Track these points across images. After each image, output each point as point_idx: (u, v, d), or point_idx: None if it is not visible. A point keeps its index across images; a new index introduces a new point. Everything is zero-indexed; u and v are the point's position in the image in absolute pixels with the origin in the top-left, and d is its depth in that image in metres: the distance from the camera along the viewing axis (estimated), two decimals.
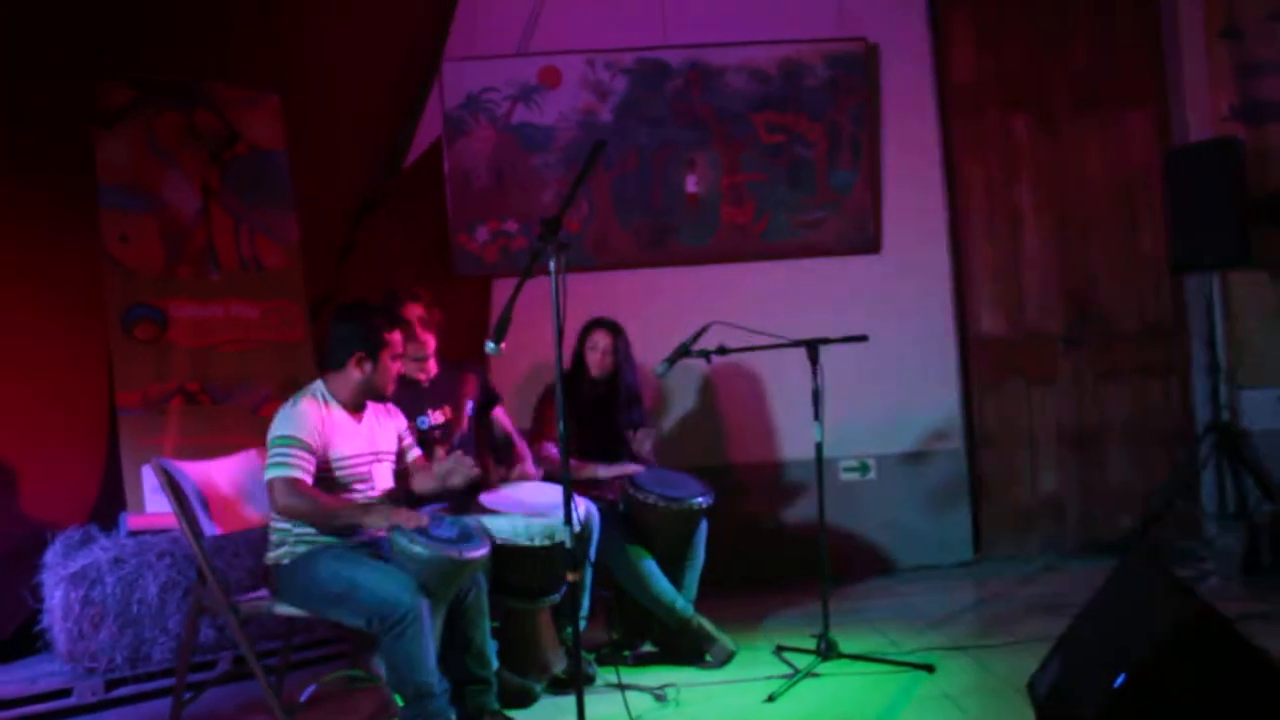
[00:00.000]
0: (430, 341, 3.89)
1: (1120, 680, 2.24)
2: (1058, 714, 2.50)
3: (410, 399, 3.84)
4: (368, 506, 3.34)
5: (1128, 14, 5.62)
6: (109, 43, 4.45)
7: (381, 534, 3.28)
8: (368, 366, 3.37)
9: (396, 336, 3.43)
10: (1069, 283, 5.60)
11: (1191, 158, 5.15)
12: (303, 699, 3.79)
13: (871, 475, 5.44)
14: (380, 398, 3.48)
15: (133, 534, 4.16)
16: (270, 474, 3.22)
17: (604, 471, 4.20)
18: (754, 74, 5.35)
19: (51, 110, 4.36)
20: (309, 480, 3.23)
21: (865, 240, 5.41)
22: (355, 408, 3.44)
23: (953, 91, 5.59)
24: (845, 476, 5.41)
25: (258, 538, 3.87)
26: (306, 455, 3.23)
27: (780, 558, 5.21)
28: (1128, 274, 5.61)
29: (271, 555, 3.31)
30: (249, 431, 4.36)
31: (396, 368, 3.46)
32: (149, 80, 4.57)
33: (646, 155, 5.33)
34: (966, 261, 5.58)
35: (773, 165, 5.36)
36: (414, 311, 3.85)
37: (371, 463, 3.42)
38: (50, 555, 4.00)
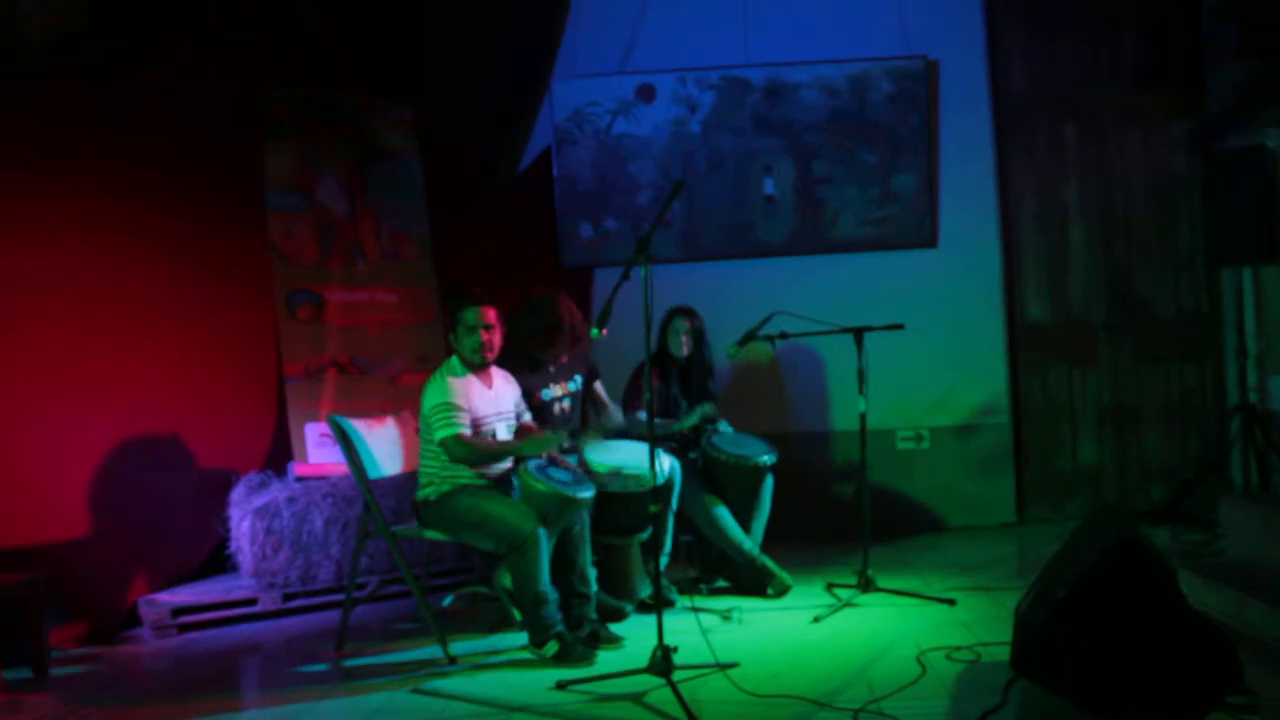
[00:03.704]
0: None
1: (1063, 594, 2.94)
2: (1025, 627, 3.21)
3: (538, 376, 4.60)
4: (516, 442, 4.15)
5: (1168, 34, 6.11)
6: (268, 60, 5.27)
7: (511, 473, 4.11)
8: (453, 339, 4.20)
9: (467, 315, 4.13)
10: (1111, 275, 6.16)
11: (1226, 163, 5.64)
12: (444, 605, 4.69)
13: (926, 445, 6.11)
14: (476, 363, 4.17)
15: (299, 479, 5.08)
16: (442, 434, 4.01)
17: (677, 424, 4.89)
18: (825, 89, 6.03)
19: (220, 123, 5.17)
20: (470, 433, 4.05)
21: (923, 236, 6.06)
22: (482, 375, 4.22)
23: (1006, 101, 6.16)
24: (902, 446, 6.09)
25: (399, 481, 4.75)
26: (463, 414, 4.05)
27: (839, 514, 5.90)
28: (1166, 267, 6.15)
29: (421, 492, 4.17)
30: (388, 398, 5.25)
31: (472, 341, 4.12)
32: (303, 96, 5.39)
33: (730, 161, 6.06)
34: (1016, 255, 6.17)
35: (841, 170, 6.05)
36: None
37: (495, 420, 4.22)
38: (235, 494, 4.93)
